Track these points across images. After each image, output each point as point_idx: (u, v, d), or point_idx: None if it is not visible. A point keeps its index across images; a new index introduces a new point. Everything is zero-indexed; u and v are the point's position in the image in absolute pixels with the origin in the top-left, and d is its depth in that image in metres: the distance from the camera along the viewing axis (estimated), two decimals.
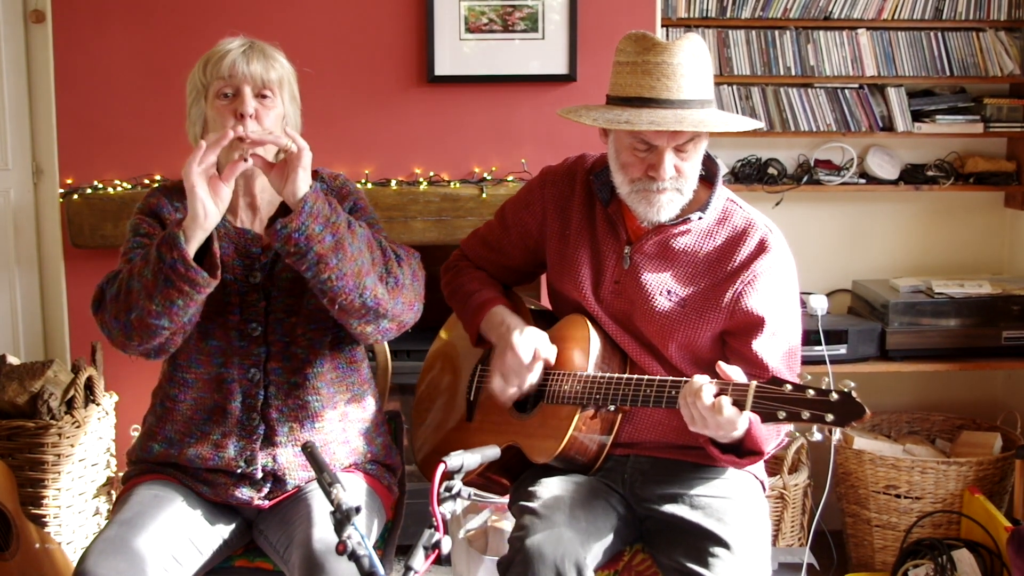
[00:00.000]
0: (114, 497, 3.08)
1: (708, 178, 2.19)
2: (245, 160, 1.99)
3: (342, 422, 2.24)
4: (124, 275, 2.04)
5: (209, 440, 2.16)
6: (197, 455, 2.15)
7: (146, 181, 3.34)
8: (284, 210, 2.03)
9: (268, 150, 2.05)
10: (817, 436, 1.84)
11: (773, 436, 2.05)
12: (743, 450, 2.05)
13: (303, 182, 1.97)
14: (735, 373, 1.93)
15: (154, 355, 2.10)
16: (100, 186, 3.32)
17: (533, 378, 2.17)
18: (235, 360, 2.16)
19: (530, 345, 2.17)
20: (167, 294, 1.95)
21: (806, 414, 1.82)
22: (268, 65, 2.11)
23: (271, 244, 2.00)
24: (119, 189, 3.31)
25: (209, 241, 1.98)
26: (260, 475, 2.15)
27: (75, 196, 3.30)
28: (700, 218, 2.16)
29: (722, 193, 2.20)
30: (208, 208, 1.95)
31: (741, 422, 1.92)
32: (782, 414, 1.84)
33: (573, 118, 2.12)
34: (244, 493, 2.15)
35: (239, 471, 2.15)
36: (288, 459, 2.17)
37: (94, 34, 3.32)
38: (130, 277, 2.01)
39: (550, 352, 2.19)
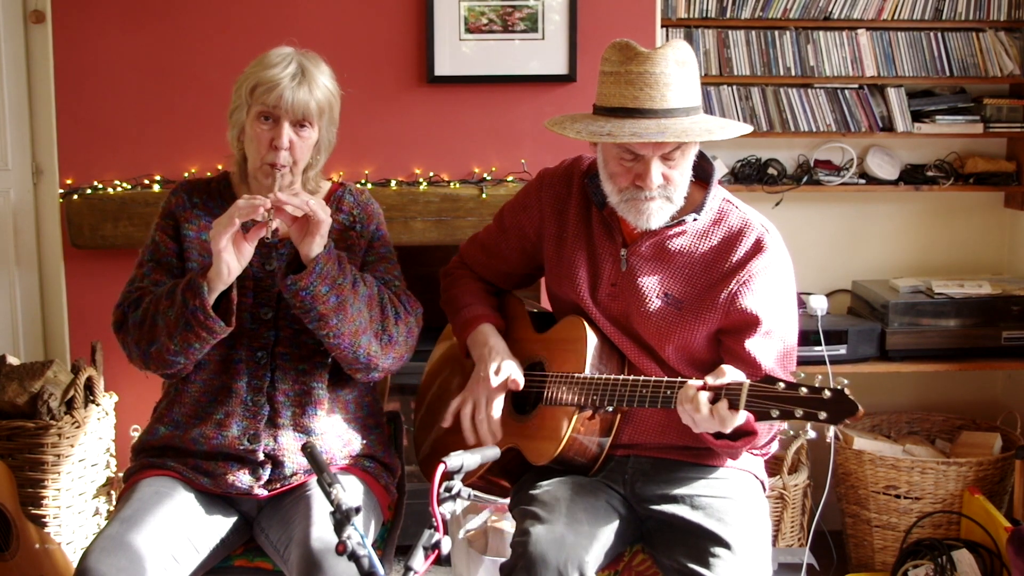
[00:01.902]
0: (114, 497, 3.09)
1: (703, 178, 2.19)
2: (270, 224, 2.07)
3: (343, 413, 2.28)
4: (148, 306, 2.16)
5: (213, 419, 2.21)
6: (201, 434, 2.20)
7: (145, 181, 3.34)
8: (299, 260, 2.13)
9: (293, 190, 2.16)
10: (811, 434, 1.84)
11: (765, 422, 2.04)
12: (737, 432, 2.04)
13: (318, 245, 2.09)
14: (726, 377, 1.93)
15: (167, 378, 2.25)
16: (100, 186, 3.32)
17: (483, 430, 2.20)
18: (244, 341, 2.23)
19: (501, 376, 2.21)
20: (186, 337, 2.09)
21: (799, 412, 1.83)
22: (312, 96, 2.18)
23: (283, 293, 2.11)
24: (119, 189, 3.32)
25: (230, 288, 2.11)
26: (261, 456, 2.18)
27: (75, 196, 3.30)
28: (695, 219, 2.15)
29: (717, 194, 2.20)
30: (232, 267, 2.09)
31: (739, 418, 1.92)
32: (775, 412, 1.85)
33: (558, 130, 2.11)
34: (243, 481, 2.17)
35: (240, 448, 2.18)
36: (289, 442, 2.21)
37: (94, 34, 3.32)
38: (155, 312, 2.13)
39: (520, 380, 2.22)
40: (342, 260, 2.13)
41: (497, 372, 2.21)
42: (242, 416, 2.21)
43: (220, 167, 3.04)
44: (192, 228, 2.27)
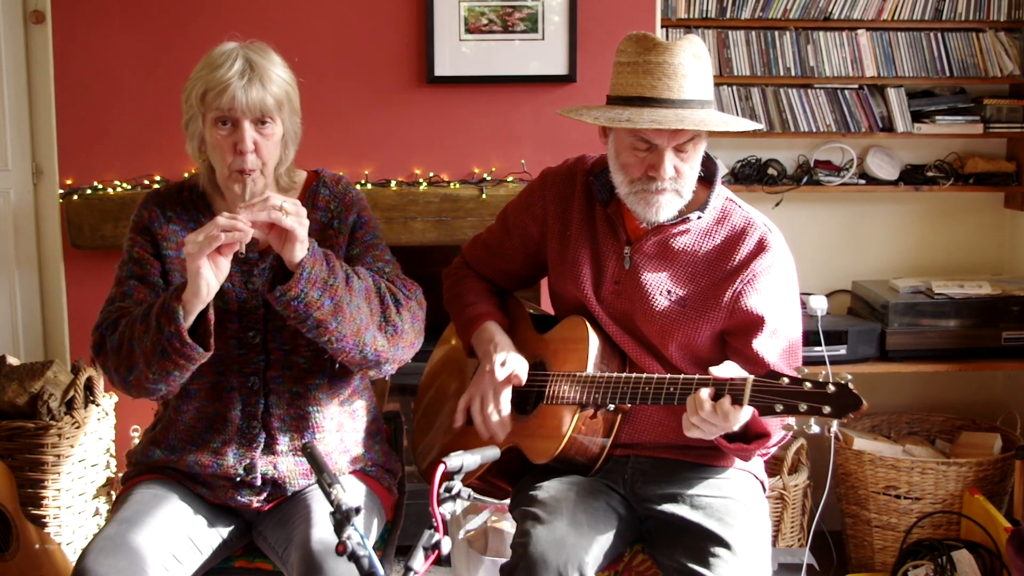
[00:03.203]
0: (114, 497, 3.08)
1: (707, 178, 2.20)
2: (241, 243, 1.95)
3: (341, 431, 2.24)
4: (124, 330, 2.05)
5: (209, 448, 2.16)
6: (196, 461, 2.15)
7: (145, 181, 3.34)
8: (284, 269, 2.00)
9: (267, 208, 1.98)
10: (815, 428, 1.84)
11: (777, 420, 2.04)
12: (750, 435, 2.05)
13: (300, 249, 1.95)
14: (727, 371, 1.93)
15: (153, 400, 2.16)
16: (100, 187, 3.32)
17: (492, 422, 2.19)
18: (234, 368, 2.15)
19: (507, 370, 2.20)
20: (164, 365, 1.98)
21: (803, 406, 1.83)
22: (266, 92, 2.04)
23: (272, 305, 2.00)
24: (119, 189, 3.32)
25: (205, 310, 1.99)
26: (259, 483, 2.15)
27: (75, 197, 3.30)
28: (699, 217, 2.16)
29: (721, 193, 2.20)
30: (211, 285, 1.95)
31: (744, 414, 1.92)
32: (779, 407, 1.85)
33: (574, 116, 2.12)
34: (244, 496, 2.16)
35: (238, 479, 2.15)
36: (289, 467, 2.16)
37: (94, 34, 3.32)
38: (131, 337, 2.03)
39: (523, 374, 2.21)
40: (330, 258, 2.00)
41: (503, 366, 2.20)
42: (237, 444, 2.15)
43: None
44: (171, 247, 2.16)
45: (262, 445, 2.15)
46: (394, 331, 2.07)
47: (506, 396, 2.20)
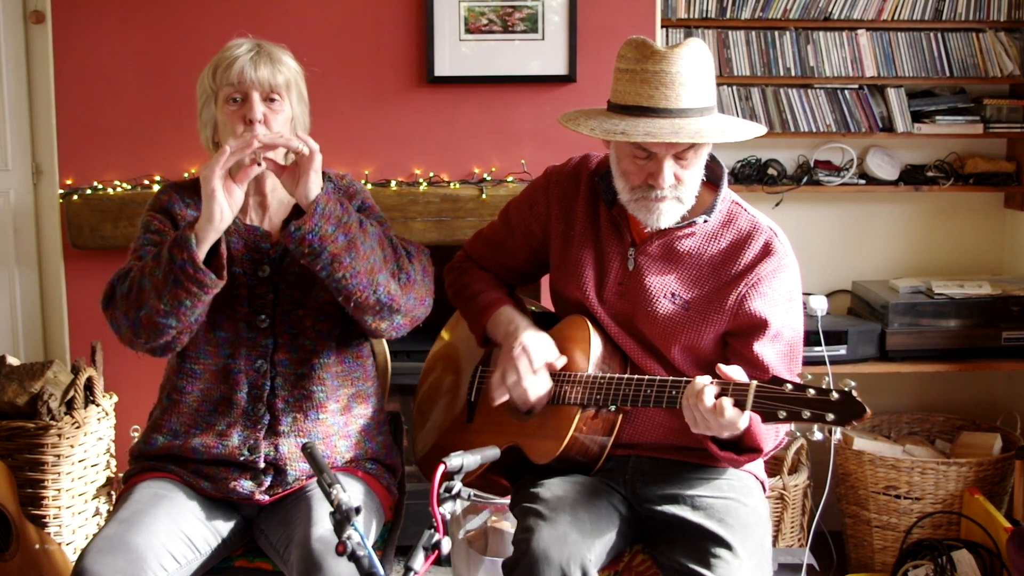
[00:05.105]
0: (114, 498, 3.09)
1: (713, 180, 2.19)
2: (259, 164, 2.04)
3: (344, 415, 2.26)
4: (135, 273, 2.09)
5: (214, 430, 2.18)
6: (201, 444, 2.17)
7: (145, 181, 3.34)
8: (297, 212, 2.07)
9: (279, 152, 2.08)
10: (817, 435, 1.84)
11: (772, 435, 2.05)
12: (742, 447, 2.05)
13: (315, 184, 2.03)
14: (735, 373, 1.93)
15: (160, 353, 2.15)
16: (100, 187, 3.32)
17: (535, 388, 2.15)
18: (243, 351, 2.19)
19: (541, 351, 2.16)
20: (176, 294, 2.00)
21: (807, 413, 1.83)
22: (275, 69, 2.15)
23: (286, 245, 2.04)
24: (119, 190, 3.32)
25: (218, 243, 2.04)
26: (262, 464, 2.17)
27: (75, 197, 3.30)
28: (705, 221, 2.15)
29: (727, 196, 2.20)
30: (224, 210, 2.01)
31: (742, 421, 1.92)
32: (782, 413, 1.85)
33: (571, 127, 2.11)
34: (244, 486, 2.16)
35: (241, 459, 2.16)
36: (290, 449, 2.18)
37: (94, 34, 3.33)
38: (141, 276, 2.06)
39: (559, 360, 2.18)
40: (343, 201, 2.06)
41: (536, 348, 2.15)
42: (242, 426, 2.18)
43: None
44: None
45: (266, 427, 2.18)
46: (407, 279, 2.13)
47: (544, 374, 2.16)
